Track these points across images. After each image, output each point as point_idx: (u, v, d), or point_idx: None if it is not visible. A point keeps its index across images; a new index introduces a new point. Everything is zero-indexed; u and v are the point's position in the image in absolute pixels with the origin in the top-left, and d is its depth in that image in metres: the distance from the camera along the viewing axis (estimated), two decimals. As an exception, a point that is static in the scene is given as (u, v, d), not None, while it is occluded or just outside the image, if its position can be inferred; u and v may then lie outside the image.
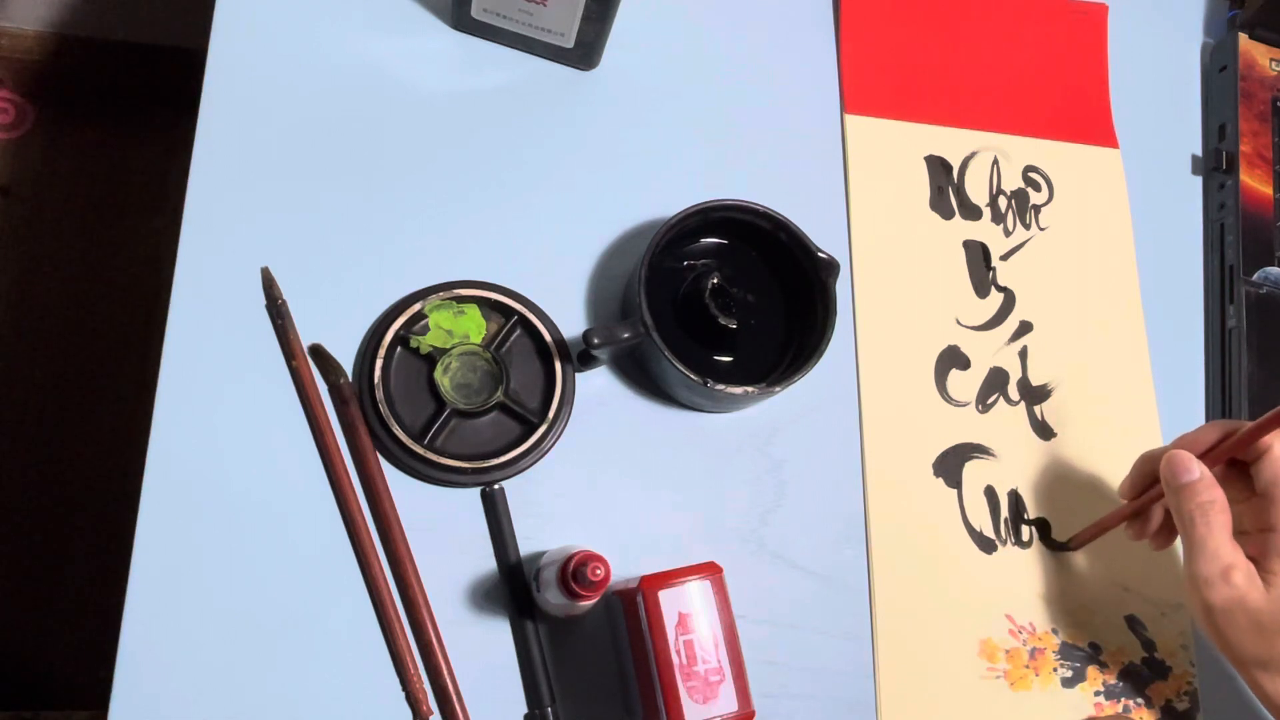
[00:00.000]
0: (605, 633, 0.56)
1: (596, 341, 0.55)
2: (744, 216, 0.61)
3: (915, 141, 0.71)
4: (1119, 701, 0.62)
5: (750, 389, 0.57)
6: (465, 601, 0.56)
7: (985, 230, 0.70)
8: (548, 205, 0.64)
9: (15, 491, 1.23)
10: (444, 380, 0.57)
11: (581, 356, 0.59)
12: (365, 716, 0.53)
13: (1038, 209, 0.72)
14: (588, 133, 0.66)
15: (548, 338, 0.59)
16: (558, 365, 0.59)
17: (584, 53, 0.65)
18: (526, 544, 0.57)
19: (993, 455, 0.65)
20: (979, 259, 0.69)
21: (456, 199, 0.62)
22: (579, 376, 0.60)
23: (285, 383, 0.57)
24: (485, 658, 0.55)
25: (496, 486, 0.57)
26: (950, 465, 0.64)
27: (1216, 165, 0.74)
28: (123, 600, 0.52)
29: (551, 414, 0.58)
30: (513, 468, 0.57)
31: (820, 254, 0.60)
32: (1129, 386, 0.69)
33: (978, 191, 0.71)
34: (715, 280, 0.59)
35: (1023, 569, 0.63)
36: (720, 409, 0.62)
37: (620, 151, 0.66)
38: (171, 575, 0.53)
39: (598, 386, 0.61)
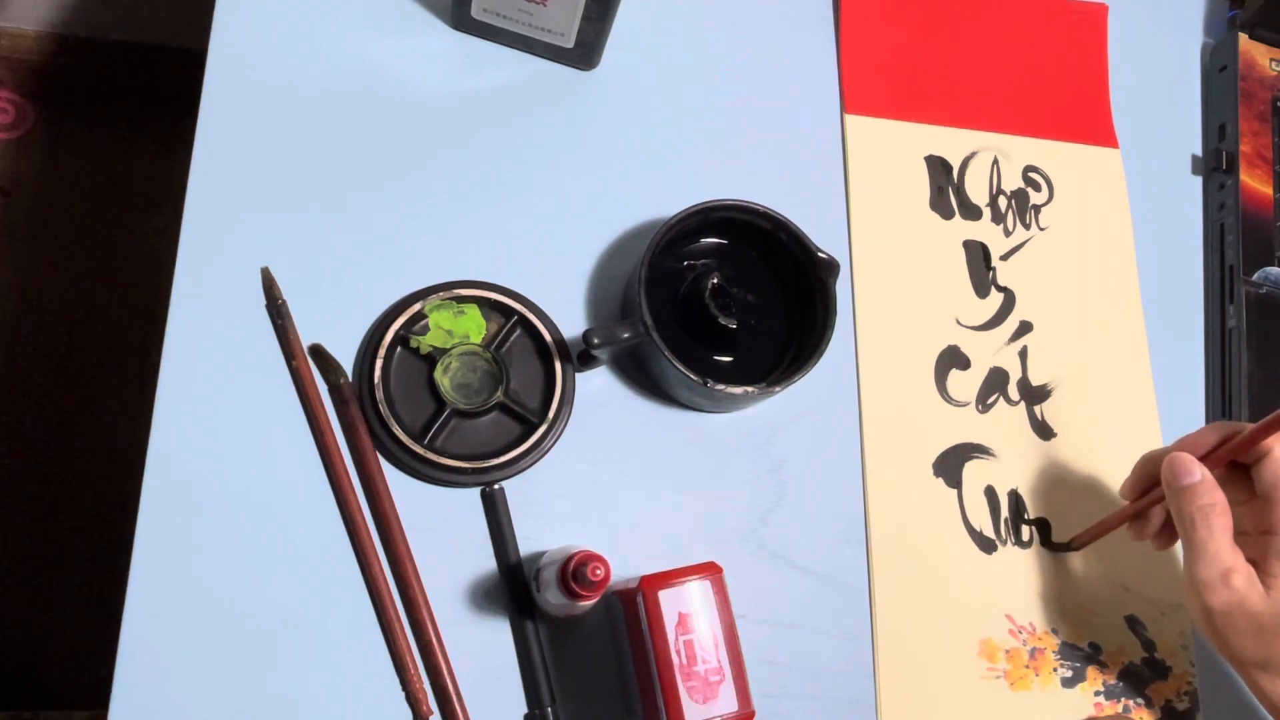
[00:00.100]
0: (605, 633, 0.56)
1: (596, 341, 0.55)
2: (744, 216, 0.61)
3: (915, 141, 0.71)
4: (1119, 701, 0.62)
5: (750, 389, 0.57)
6: (465, 601, 0.56)
7: (985, 230, 0.70)
8: (548, 205, 0.64)
9: (15, 491, 1.23)
10: (444, 380, 0.57)
11: (581, 356, 0.59)
12: (365, 716, 0.53)
13: (1038, 209, 0.72)
14: (588, 133, 0.66)
15: (548, 338, 0.59)
16: (558, 365, 0.59)
17: (584, 53, 0.65)
18: (526, 544, 0.57)
19: (993, 455, 0.65)
20: (979, 259, 0.69)
21: (456, 199, 0.62)
22: (579, 376, 0.60)
23: (285, 383, 0.57)
24: (485, 658, 0.55)
25: (496, 486, 0.57)
26: (950, 465, 0.64)
27: (1216, 165, 0.74)
28: (123, 600, 0.52)
29: (551, 414, 0.58)
30: (513, 468, 0.57)
31: (820, 254, 0.60)
32: (1129, 386, 0.69)
33: (978, 191, 0.71)
34: (715, 280, 0.59)
35: (1023, 569, 0.63)
36: (720, 409, 0.62)
37: (620, 151, 0.66)
38: (171, 575, 0.53)
39: (598, 386, 0.61)
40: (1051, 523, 0.65)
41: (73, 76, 1.34)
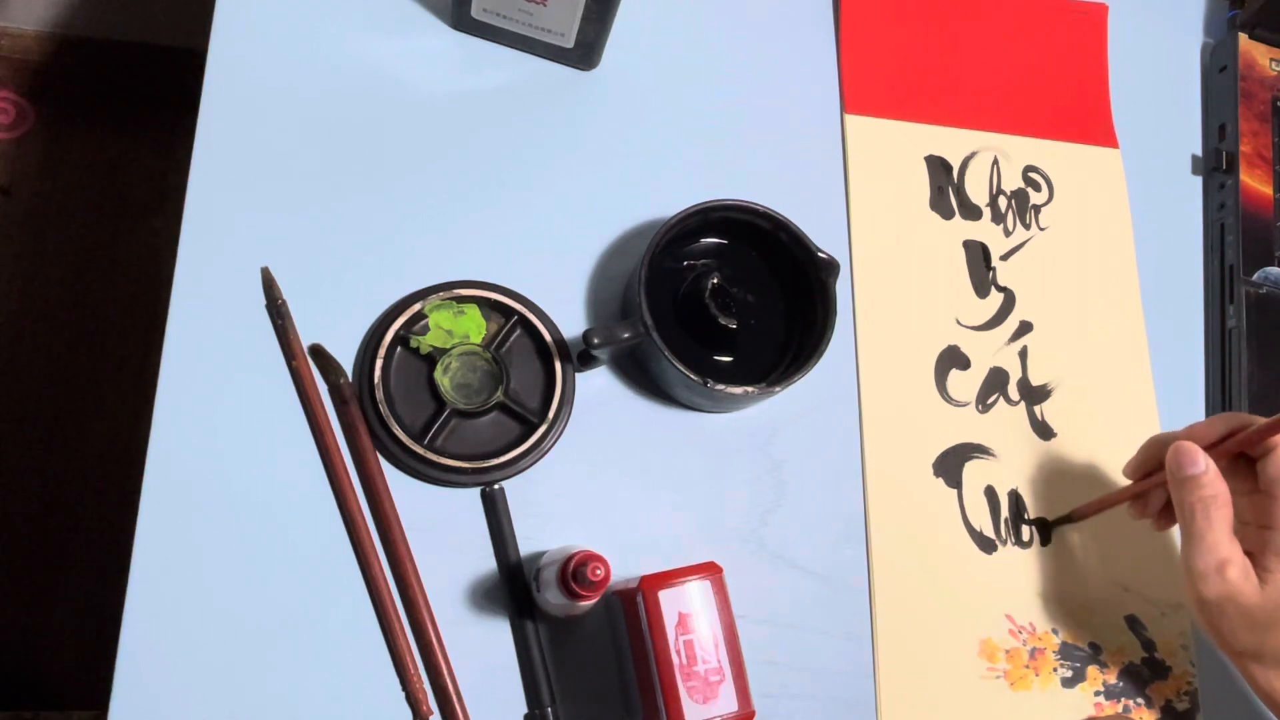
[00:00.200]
0: (605, 633, 0.56)
1: (596, 341, 0.55)
2: (744, 216, 0.61)
3: (915, 141, 0.71)
4: (1119, 701, 0.62)
5: (750, 389, 0.57)
6: (465, 601, 0.56)
7: (985, 230, 0.70)
8: (548, 205, 0.64)
9: (15, 492, 1.23)
10: (444, 380, 0.57)
11: (581, 356, 0.59)
12: (365, 716, 0.53)
13: (1038, 209, 0.72)
14: (588, 133, 0.66)
15: (548, 338, 0.59)
16: (558, 365, 0.59)
17: (584, 53, 0.65)
18: (526, 544, 0.57)
19: (993, 455, 0.65)
20: (979, 259, 0.69)
21: (456, 199, 0.62)
22: (579, 376, 0.60)
23: (285, 383, 0.57)
24: (485, 658, 0.55)
25: (496, 486, 0.57)
26: (950, 465, 0.64)
27: (1216, 165, 0.74)
28: (123, 600, 0.52)
29: (551, 414, 0.58)
30: (513, 468, 0.57)
31: (820, 254, 0.60)
32: (1129, 386, 0.69)
33: (978, 191, 0.71)
34: (715, 280, 0.59)
35: (1023, 569, 0.63)
36: (720, 409, 0.62)
37: (620, 151, 0.66)
38: (171, 575, 0.53)
39: (598, 386, 0.61)
40: (1052, 523, 0.65)
41: (73, 76, 1.34)
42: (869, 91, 0.71)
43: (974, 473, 0.65)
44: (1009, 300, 0.69)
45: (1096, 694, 0.62)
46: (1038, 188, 0.72)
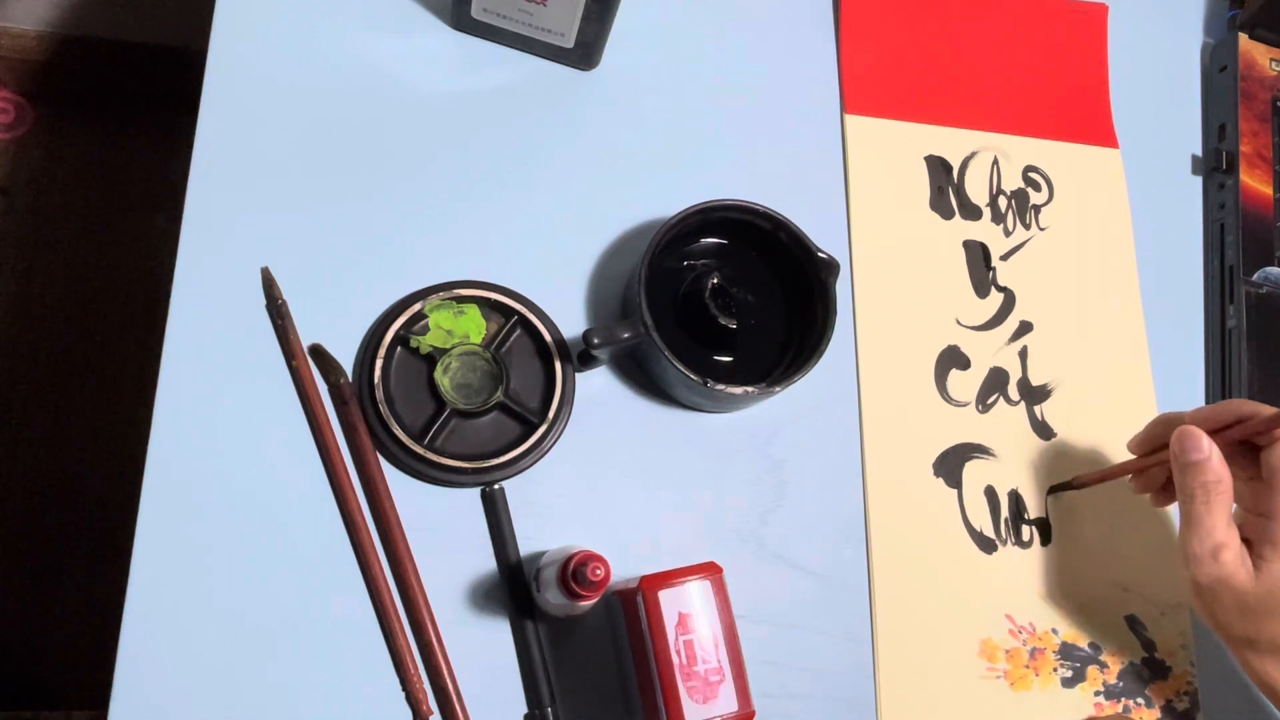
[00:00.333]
0: (605, 633, 0.56)
1: (596, 341, 0.55)
2: (744, 216, 0.61)
3: (915, 141, 0.71)
4: (1119, 701, 0.62)
5: (750, 389, 0.57)
6: (465, 601, 0.56)
7: (985, 230, 0.70)
8: (548, 205, 0.64)
9: (15, 491, 1.23)
10: (444, 380, 0.57)
11: (581, 356, 0.59)
12: (365, 716, 0.53)
13: (1038, 209, 0.72)
14: (588, 133, 0.66)
15: (548, 338, 0.59)
16: (558, 365, 0.59)
17: (584, 53, 0.65)
18: (526, 544, 0.57)
19: (993, 455, 0.65)
20: (979, 259, 0.69)
21: (456, 199, 0.62)
22: (579, 376, 0.60)
23: (285, 383, 0.57)
24: (485, 658, 0.55)
25: (496, 486, 0.57)
26: (950, 465, 0.64)
27: (1216, 165, 0.74)
28: (123, 600, 0.52)
29: (551, 414, 0.58)
30: (513, 468, 0.57)
31: (820, 254, 0.60)
32: (1129, 386, 0.69)
33: (978, 191, 0.71)
34: (715, 280, 0.59)
35: (1023, 569, 0.63)
36: (720, 409, 0.62)
37: (620, 151, 0.66)
38: (171, 575, 0.53)
39: (598, 386, 0.61)
40: (1052, 523, 0.65)
41: (73, 76, 1.34)
42: (869, 91, 0.71)
43: (974, 473, 0.65)
44: (1009, 300, 0.69)
45: (1096, 694, 0.62)
46: (1038, 188, 0.72)
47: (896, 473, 0.63)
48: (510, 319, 0.60)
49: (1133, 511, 0.65)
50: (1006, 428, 0.66)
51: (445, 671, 0.54)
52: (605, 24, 0.62)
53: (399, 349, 0.58)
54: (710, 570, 0.49)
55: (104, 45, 1.30)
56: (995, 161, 0.72)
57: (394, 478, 0.56)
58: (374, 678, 0.53)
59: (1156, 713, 0.62)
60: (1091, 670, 0.62)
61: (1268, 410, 0.52)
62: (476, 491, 0.57)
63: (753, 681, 0.49)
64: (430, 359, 0.58)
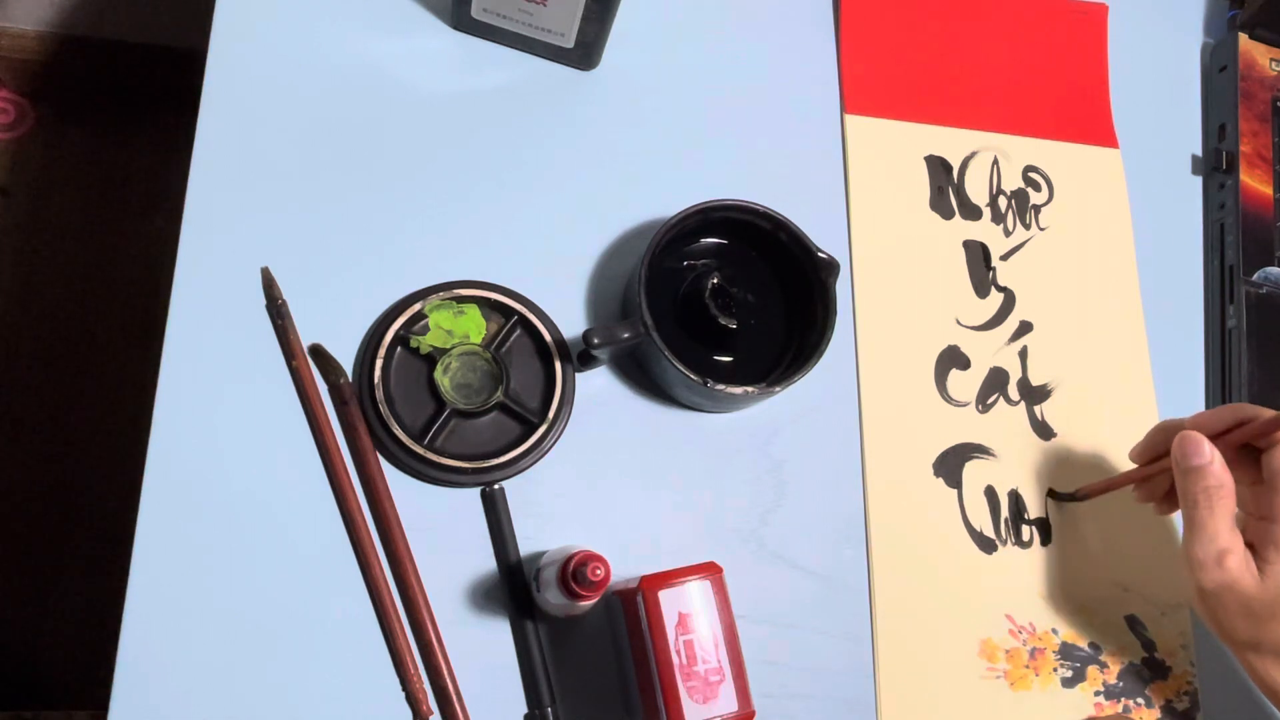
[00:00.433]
0: (605, 633, 0.56)
1: (596, 341, 0.55)
2: (744, 216, 0.61)
3: (915, 141, 0.71)
4: (1119, 701, 0.62)
5: (750, 389, 0.57)
6: (465, 601, 0.56)
7: (985, 230, 0.70)
8: (548, 205, 0.64)
9: (15, 491, 1.23)
10: (444, 380, 0.57)
11: (581, 356, 0.59)
12: (365, 716, 0.53)
13: (1038, 209, 0.72)
14: (587, 133, 0.66)
15: (548, 338, 0.59)
16: (558, 365, 0.59)
17: (584, 53, 0.65)
18: (526, 544, 0.57)
19: (993, 455, 0.65)
20: (979, 259, 0.69)
21: (456, 199, 0.62)
22: (579, 376, 0.60)
23: (285, 383, 0.57)
24: (485, 658, 0.55)
25: (496, 486, 0.57)
26: (950, 465, 0.64)
27: (1216, 165, 0.74)
28: (123, 600, 0.52)
29: (551, 414, 0.58)
30: (513, 468, 0.57)
31: (820, 254, 0.60)
32: (1129, 386, 0.69)
33: (978, 191, 0.71)
34: (715, 280, 0.59)
35: (1023, 569, 0.63)
36: (720, 409, 0.62)
37: (620, 151, 0.66)
38: (171, 575, 0.53)
39: (598, 386, 0.61)
40: (1052, 523, 0.65)
41: (73, 76, 1.34)
42: (869, 91, 0.71)
43: (974, 473, 0.65)
44: (1009, 300, 0.69)
45: (1096, 694, 0.62)
46: (1038, 188, 0.72)
47: (896, 473, 0.63)
48: (510, 319, 0.60)
49: (1133, 512, 0.65)
50: (1006, 428, 0.66)
51: (445, 671, 0.54)
52: (605, 24, 0.62)
53: (399, 349, 0.58)
54: (710, 570, 0.49)
55: (104, 45, 1.30)
56: (995, 161, 0.72)
57: (394, 478, 0.56)
58: (374, 678, 0.53)
59: (1156, 713, 0.62)
60: (1091, 670, 0.62)
61: (1268, 413, 0.52)
62: (476, 491, 0.57)
63: (753, 681, 0.49)
64: (430, 359, 0.58)
